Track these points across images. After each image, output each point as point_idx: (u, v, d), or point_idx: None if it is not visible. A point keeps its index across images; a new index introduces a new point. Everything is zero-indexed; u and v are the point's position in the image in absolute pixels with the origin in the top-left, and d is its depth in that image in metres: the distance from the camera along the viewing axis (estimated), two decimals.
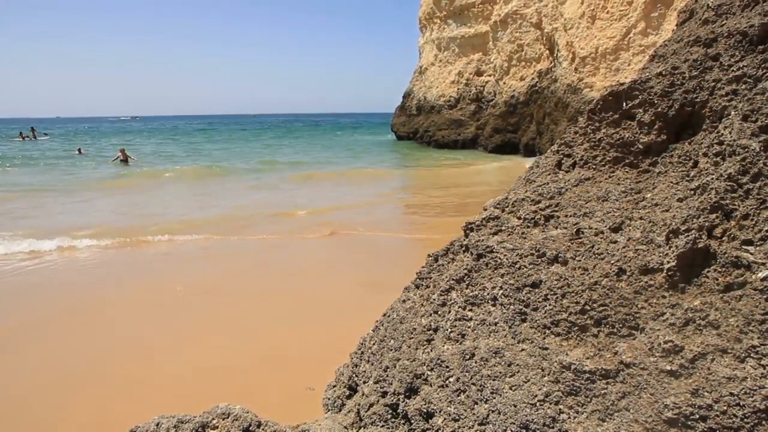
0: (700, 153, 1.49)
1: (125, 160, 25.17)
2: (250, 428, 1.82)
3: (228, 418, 1.84)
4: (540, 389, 1.47)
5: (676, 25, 2.08)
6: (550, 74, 25.29)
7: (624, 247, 1.49)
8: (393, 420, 1.84)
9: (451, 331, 1.78)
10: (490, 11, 30.18)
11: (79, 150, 31.78)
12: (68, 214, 12.27)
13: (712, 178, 1.36)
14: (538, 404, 1.45)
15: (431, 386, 1.73)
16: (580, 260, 1.57)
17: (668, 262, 1.36)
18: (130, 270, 7.74)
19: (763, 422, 1.11)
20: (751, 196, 1.27)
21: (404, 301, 2.18)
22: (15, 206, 13.04)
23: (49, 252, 8.64)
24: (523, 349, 1.57)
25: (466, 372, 1.65)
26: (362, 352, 2.29)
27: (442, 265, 2.09)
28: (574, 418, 1.39)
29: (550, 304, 1.57)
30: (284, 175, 19.36)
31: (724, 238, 1.29)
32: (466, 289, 1.84)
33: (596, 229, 1.60)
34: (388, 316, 2.22)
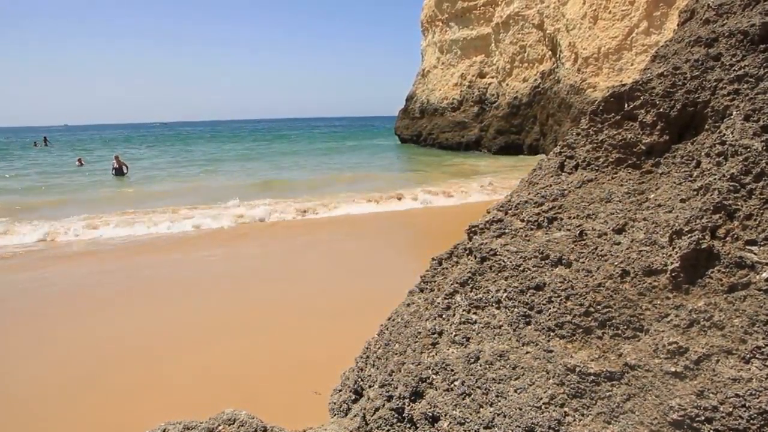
0: (703, 153, 1.49)
1: (120, 169, 23.38)
2: None
3: (234, 423, 1.84)
4: (545, 392, 1.46)
5: (678, 25, 2.08)
6: (552, 75, 25.28)
7: (627, 249, 1.49)
8: (399, 424, 1.84)
9: (456, 335, 1.78)
10: (491, 13, 30.21)
11: (80, 161, 29.57)
12: None
13: (715, 179, 1.36)
14: (543, 407, 1.45)
15: (436, 390, 1.73)
16: (583, 262, 1.57)
17: (672, 263, 1.35)
18: (136, 275, 7.77)
19: None
20: (754, 196, 1.27)
21: (409, 305, 2.18)
22: None
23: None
24: (527, 352, 1.57)
25: (471, 375, 1.65)
26: (367, 356, 2.29)
27: (446, 268, 2.09)
28: (580, 420, 1.39)
29: (554, 307, 1.57)
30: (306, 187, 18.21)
31: (727, 239, 1.29)
32: (470, 292, 1.84)
33: (599, 230, 1.60)
34: (393, 320, 2.22)
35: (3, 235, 10.44)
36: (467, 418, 1.59)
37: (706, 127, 1.57)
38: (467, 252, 1.98)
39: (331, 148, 41.19)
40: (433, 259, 2.19)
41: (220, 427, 1.82)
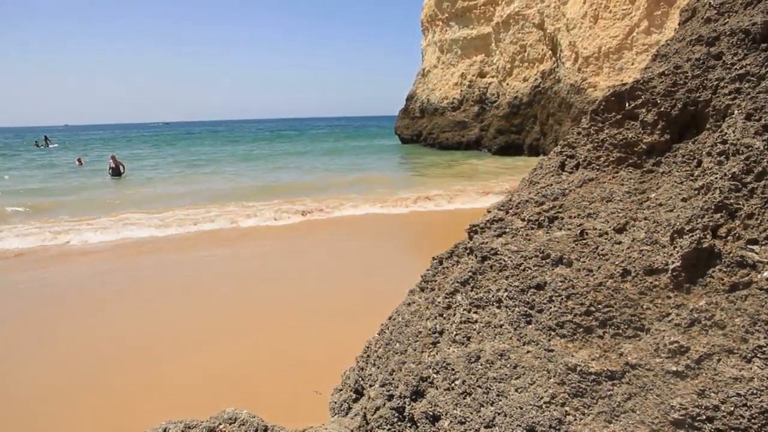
0: (704, 152, 1.49)
1: (116, 169, 22.64)
2: None
3: (235, 422, 1.84)
4: (546, 391, 1.46)
5: (679, 23, 2.07)
6: (553, 75, 25.26)
7: (628, 248, 1.49)
8: (399, 423, 1.84)
9: (457, 334, 1.78)
10: (492, 12, 30.19)
11: (79, 160, 30.04)
12: None
13: (716, 178, 1.36)
14: (544, 406, 1.45)
15: (437, 389, 1.73)
16: (584, 261, 1.57)
17: (673, 263, 1.35)
18: (136, 275, 7.78)
19: None
20: (755, 195, 1.27)
21: (409, 304, 2.18)
22: None
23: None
24: (528, 351, 1.57)
25: (472, 374, 1.65)
26: (368, 356, 2.29)
27: (447, 267, 2.09)
28: (580, 419, 1.39)
29: (555, 306, 1.57)
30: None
31: (728, 238, 1.29)
32: (471, 291, 1.84)
33: (600, 230, 1.60)
34: (394, 320, 2.22)
35: (1, 234, 10.45)
36: (468, 417, 1.59)
37: (708, 126, 1.57)
38: (468, 251, 1.98)
39: (331, 149, 40.98)
40: (433, 258, 2.19)
41: (221, 426, 1.82)
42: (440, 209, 12.65)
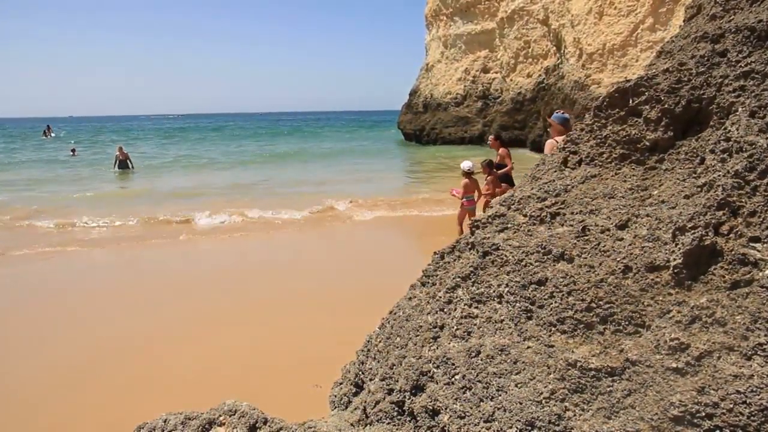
0: (707, 150, 1.48)
1: (124, 162, 21.47)
2: (257, 425, 1.83)
3: (235, 414, 1.85)
4: (546, 387, 1.47)
5: (684, 20, 2.06)
6: (557, 71, 25.15)
7: (630, 245, 1.49)
8: (399, 417, 1.85)
9: (457, 329, 1.79)
10: (496, 8, 30.06)
11: (73, 151, 30.99)
12: None
13: (719, 175, 1.36)
14: (543, 402, 1.45)
15: (437, 384, 1.74)
16: (586, 258, 1.57)
17: (675, 260, 1.35)
18: (135, 269, 7.80)
19: None
20: (758, 193, 1.27)
21: (410, 298, 2.18)
22: None
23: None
24: (528, 347, 1.57)
25: (472, 369, 1.65)
26: (368, 350, 2.30)
27: (448, 262, 2.09)
28: (580, 415, 1.39)
29: (555, 302, 1.57)
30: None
31: (730, 235, 1.29)
32: (472, 286, 1.84)
33: (602, 226, 1.60)
34: (395, 314, 2.22)
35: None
36: (467, 411, 1.59)
37: (711, 123, 1.56)
38: (469, 246, 1.98)
39: (334, 145, 40.59)
40: (435, 253, 2.19)
41: (221, 418, 1.83)
42: (441, 210, 12.60)
